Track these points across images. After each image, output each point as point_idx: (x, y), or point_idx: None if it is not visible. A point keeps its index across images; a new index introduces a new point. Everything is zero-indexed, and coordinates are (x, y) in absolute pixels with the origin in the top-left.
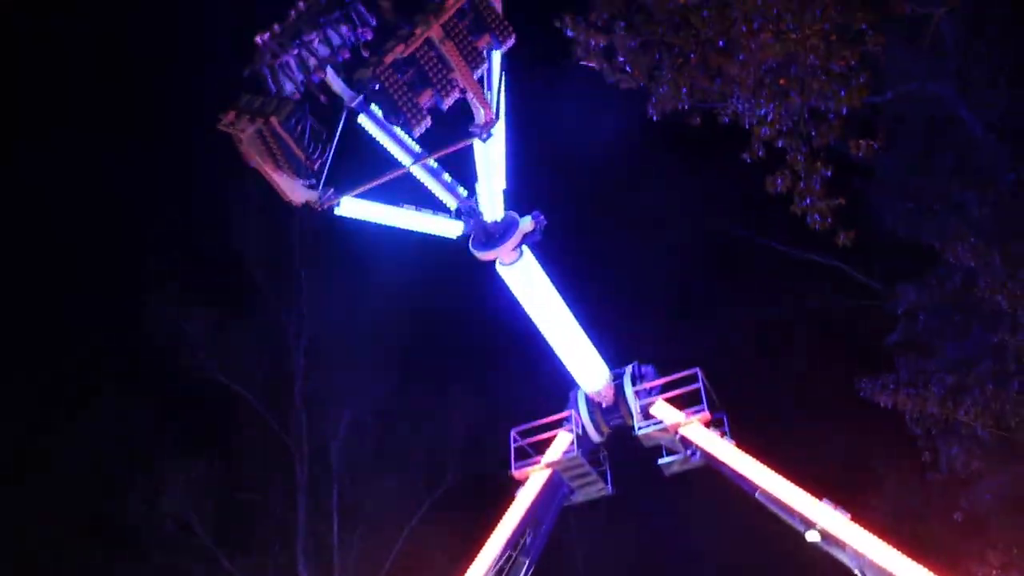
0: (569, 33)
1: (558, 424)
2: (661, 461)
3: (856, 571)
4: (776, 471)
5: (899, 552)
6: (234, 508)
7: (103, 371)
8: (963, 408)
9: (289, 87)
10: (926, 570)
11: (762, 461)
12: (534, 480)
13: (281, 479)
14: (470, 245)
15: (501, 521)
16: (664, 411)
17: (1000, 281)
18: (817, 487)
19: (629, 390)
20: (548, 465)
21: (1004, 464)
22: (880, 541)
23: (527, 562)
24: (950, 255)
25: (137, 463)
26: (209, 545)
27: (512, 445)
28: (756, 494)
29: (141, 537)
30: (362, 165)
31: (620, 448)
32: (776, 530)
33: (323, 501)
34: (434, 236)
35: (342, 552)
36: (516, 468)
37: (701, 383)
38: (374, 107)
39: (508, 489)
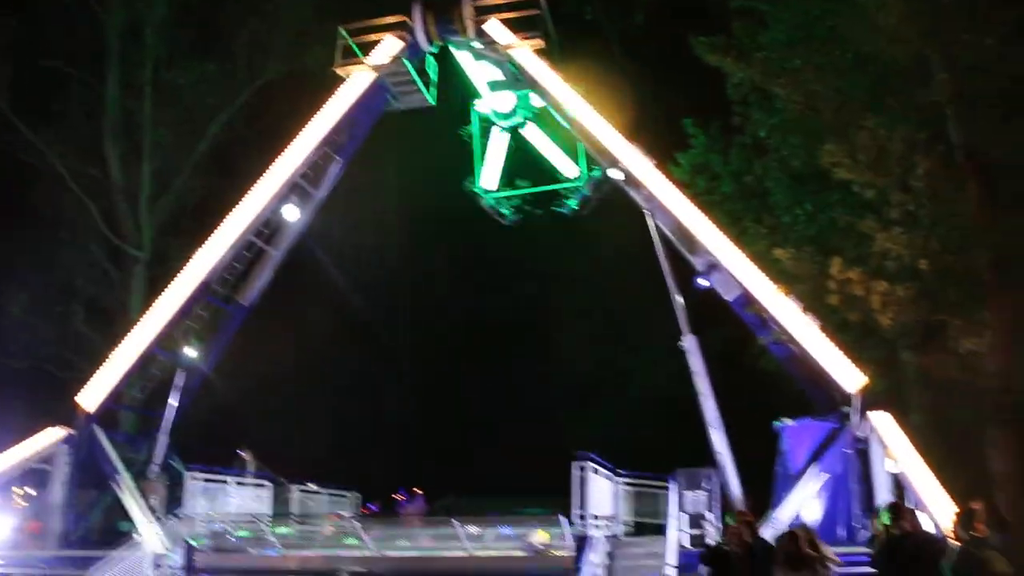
0: None
1: (389, 27)
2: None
3: (646, 213)
4: (598, 111)
5: (689, 202)
6: (35, 75)
7: None
8: (781, 80)
9: None
10: (709, 220)
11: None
12: (356, 80)
13: (90, 48)
14: None
15: (318, 115)
16: (497, 30)
17: None
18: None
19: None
20: (374, 68)
21: (801, 137)
22: (674, 189)
23: (340, 161)
24: None
25: None
26: (7, 113)
27: (339, 41)
28: (571, 127)
29: None
30: None
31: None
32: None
33: (135, 76)
34: None
35: (152, 133)
36: (340, 64)
37: (541, 8)
38: None
39: (329, 86)
